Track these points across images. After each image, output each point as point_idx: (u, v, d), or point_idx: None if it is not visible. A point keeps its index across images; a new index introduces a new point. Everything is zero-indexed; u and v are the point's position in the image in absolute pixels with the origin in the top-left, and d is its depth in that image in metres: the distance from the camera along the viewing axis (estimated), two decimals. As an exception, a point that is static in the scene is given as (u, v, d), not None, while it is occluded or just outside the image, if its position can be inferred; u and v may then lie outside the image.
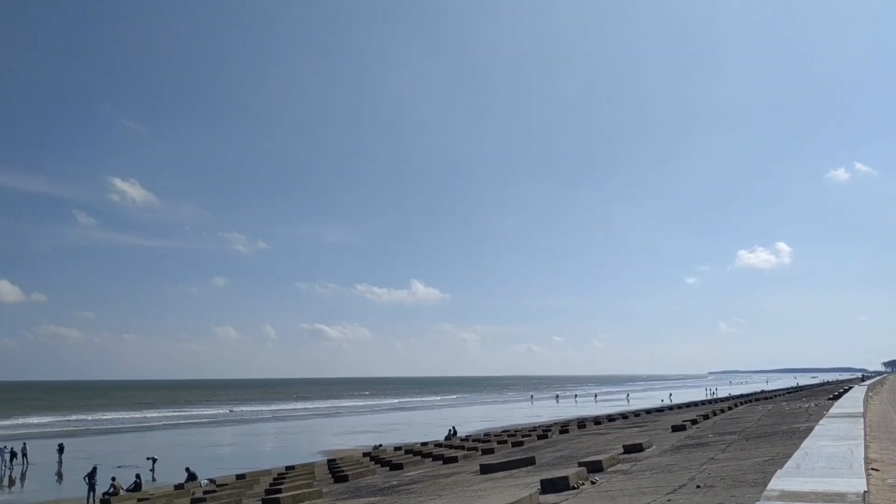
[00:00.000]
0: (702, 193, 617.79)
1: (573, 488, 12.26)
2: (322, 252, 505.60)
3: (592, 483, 12.84)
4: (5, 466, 44.59)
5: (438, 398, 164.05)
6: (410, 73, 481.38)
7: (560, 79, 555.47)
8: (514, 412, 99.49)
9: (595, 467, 14.77)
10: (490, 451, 30.12)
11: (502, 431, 48.90)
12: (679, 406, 69.41)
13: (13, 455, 45.66)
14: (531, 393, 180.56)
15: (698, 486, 10.76)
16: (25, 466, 45.06)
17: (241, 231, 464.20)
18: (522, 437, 37.08)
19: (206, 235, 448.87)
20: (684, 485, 11.17)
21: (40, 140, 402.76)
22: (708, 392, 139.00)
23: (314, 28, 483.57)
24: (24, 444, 48.42)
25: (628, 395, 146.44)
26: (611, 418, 51.52)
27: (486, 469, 19.58)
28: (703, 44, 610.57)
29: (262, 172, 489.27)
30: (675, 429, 25.97)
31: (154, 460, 42.55)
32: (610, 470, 14.76)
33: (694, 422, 28.95)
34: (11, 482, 40.47)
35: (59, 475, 42.72)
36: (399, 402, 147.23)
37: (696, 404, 67.52)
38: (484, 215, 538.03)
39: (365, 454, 39.29)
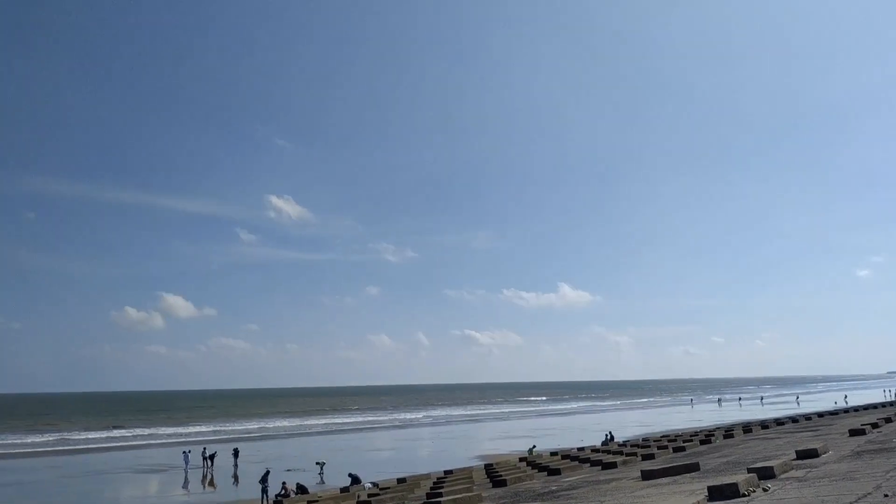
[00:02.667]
0: (870, 175, 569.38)
1: (743, 496, 11.71)
2: (469, 258, 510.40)
3: (764, 490, 12.21)
4: (194, 468, 48.09)
5: (592, 403, 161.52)
6: (555, 71, 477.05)
7: (710, 72, 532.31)
8: (673, 416, 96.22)
9: (766, 474, 14.02)
10: (650, 457, 29.29)
11: (662, 436, 47.41)
12: (856, 408, 64.50)
13: (210, 459, 49.43)
14: (691, 396, 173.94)
15: (886, 496, 9.97)
16: (206, 469, 48.42)
17: (389, 241, 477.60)
18: (683, 442, 35.80)
19: (357, 247, 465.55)
20: (869, 493, 10.39)
21: (206, 165, 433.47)
22: (887, 393, 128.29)
23: (453, 33, 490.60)
24: (205, 448, 52.16)
25: (798, 398, 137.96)
26: (779, 422, 48.74)
27: (647, 475, 19.06)
28: (856, 28, 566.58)
29: (408, 182, 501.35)
30: (854, 433, 24.18)
31: (322, 465, 44.51)
32: (782, 476, 13.97)
33: (875, 425, 26.84)
34: (209, 482, 43.77)
35: (235, 478, 45.65)
36: (551, 407, 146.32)
37: (875, 406, 62.54)
38: (633, 214, 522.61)
39: (521, 459, 39.26)
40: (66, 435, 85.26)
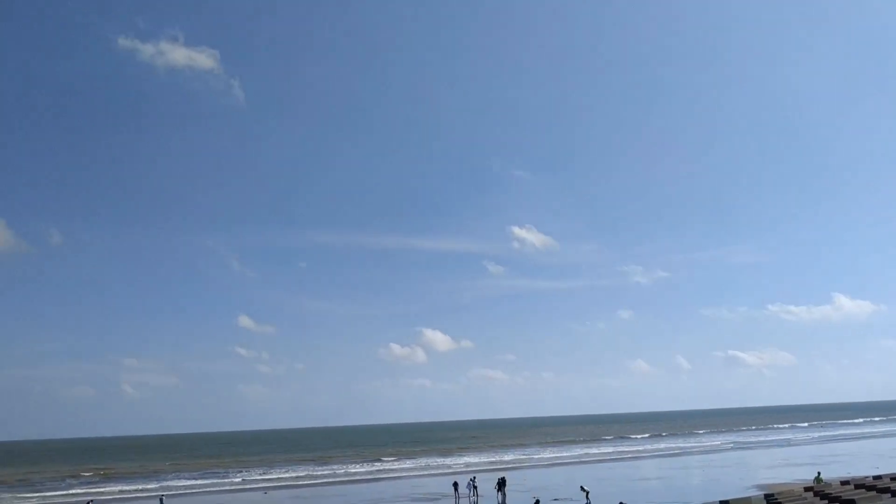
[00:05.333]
0: None
1: None
2: (726, 274, 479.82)
3: None
4: (463, 497, 49.73)
5: (885, 427, 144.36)
6: (817, 61, 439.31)
7: None
8: None
9: None
10: (970, 486, 25.36)
11: (980, 462, 40.96)
12: None
13: (500, 486, 51.00)
14: None
15: None
16: (476, 498, 49.76)
17: (638, 263, 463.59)
18: None
19: (604, 271, 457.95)
20: None
21: (452, 204, 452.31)
22: None
23: (686, 31, 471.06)
24: (474, 477, 53.69)
25: None
26: None
27: (972, 506, 16.43)
28: None
29: (654, 199, 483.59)
30: None
31: (587, 492, 43.85)
32: None
33: None
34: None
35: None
36: (835, 432, 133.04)
37: None
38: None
39: (806, 488, 35.88)
40: (345, 467, 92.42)
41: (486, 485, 53.30)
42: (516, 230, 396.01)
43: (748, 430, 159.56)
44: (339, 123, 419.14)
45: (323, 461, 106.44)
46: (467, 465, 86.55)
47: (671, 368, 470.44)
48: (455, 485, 51.14)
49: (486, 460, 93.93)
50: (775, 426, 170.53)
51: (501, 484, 51.78)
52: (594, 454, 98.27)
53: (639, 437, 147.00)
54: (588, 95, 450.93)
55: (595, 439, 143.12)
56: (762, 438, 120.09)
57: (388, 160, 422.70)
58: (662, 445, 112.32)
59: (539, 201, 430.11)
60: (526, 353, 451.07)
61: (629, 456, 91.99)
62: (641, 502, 39.65)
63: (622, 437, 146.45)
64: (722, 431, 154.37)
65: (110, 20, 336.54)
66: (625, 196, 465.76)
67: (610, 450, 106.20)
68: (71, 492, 72.68)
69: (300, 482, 73.58)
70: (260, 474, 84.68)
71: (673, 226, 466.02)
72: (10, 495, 71.14)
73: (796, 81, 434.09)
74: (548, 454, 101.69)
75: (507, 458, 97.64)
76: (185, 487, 72.13)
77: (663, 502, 39.04)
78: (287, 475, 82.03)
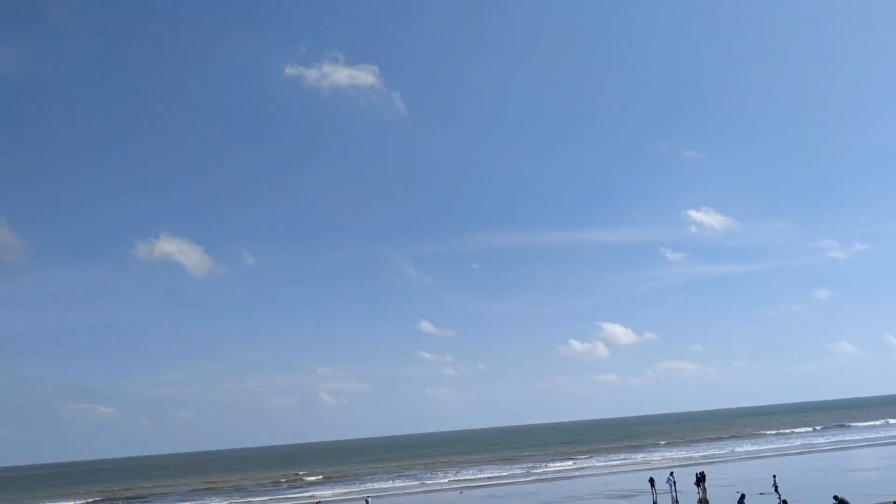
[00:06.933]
0: None
1: None
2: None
3: None
4: (662, 493, 48.61)
5: None
6: None
7: None
8: None
9: None
10: None
11: None
12: None
13: (699, 481, 49.72)
14: None
15: None
16: (676, 494, 48.37)
17: (832, 237, 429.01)
18: None
19: (794, 249, 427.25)
20: None
21: (622, 193, 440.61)
22: None
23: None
24: (672, 472, 52.12)
25: None
26: None
27: None
28: None
29: (845, 167, 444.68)
30: None
31: (776, 485, 41.36)
32: None
33: None
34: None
35: (705, 502, 44.83)
36: None
37: None
38: None
39: None
40: (537, 465, 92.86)
41: (684, 480, 51.76)
42: (693, 213, 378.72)
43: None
44: (500, 125, 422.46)
45: (514, 460, 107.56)
46: (663, 459, 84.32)
47: (881, 348, 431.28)
48: (651, 480, 50.00)
49: (681, 455, 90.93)
50: None
51: (701, 479, 50.01)
52: (802, 445, 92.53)
53: (860, 424, 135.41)
54: (755, 66, 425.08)
55: (803, 429, 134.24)
56: None
57: (551, 156, 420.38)
58: (884, 434, 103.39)
59: (714, 181, 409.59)
60: (715, 343, 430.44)
61: (844, 446, 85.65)
62: (858, 496, 36.80)
63: (840, 426, 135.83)
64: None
65: (275, 51, 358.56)
66: (809, 165, 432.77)
67: (821, 440, 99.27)
68: (287, 495, 78.33)
69: (494, 481, 74.82)
70: (454, 474, 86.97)
71: (868, 193, 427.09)
72: (226, 501, 77.77)
73: None
74: (748, 447, 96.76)
75: (703, 452, 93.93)
76: (385, 490, 75.49)
77: (881, 494, 36.02)
78: (481, 475, 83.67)
